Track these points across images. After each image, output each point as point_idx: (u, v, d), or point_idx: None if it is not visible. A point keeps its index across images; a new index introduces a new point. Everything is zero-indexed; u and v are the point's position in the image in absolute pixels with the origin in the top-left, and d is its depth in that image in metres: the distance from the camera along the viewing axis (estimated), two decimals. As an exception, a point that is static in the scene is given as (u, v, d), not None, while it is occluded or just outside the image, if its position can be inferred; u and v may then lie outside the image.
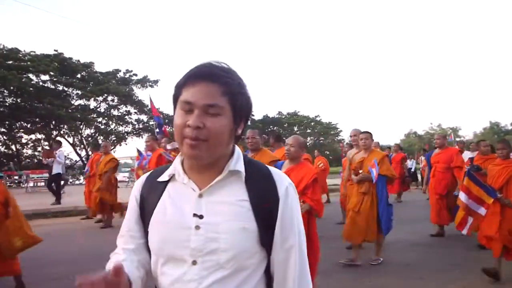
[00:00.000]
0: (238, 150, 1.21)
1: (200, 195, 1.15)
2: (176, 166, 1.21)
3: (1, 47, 26.75)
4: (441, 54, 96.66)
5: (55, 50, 28.89)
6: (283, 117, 45.19)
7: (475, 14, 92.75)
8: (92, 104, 31.15)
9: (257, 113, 51.43)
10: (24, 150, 30.19)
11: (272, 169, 1.23)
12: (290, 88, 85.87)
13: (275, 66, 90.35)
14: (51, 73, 27.67)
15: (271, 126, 43.12)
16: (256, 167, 1.21)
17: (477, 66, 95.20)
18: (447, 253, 6.41)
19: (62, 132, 30.24)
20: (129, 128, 33.16)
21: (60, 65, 28.02)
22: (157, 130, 12.80)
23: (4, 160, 28.14)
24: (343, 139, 43.41)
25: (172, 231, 1.13)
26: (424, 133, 51.33)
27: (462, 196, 5.08)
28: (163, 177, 1.21)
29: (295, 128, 44.81)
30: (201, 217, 1.12)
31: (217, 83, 1.09)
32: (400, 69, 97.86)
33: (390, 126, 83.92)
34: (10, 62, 26.20)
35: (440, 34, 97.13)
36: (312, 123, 45.94)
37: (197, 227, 1.11)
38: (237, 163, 1.17)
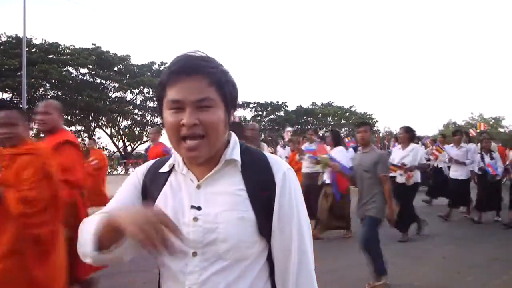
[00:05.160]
0: (234, 137, 1.19)
1: (198, 186, 1.14)
2: (176, 157, 1.19)
3: (43, 42, 27.89)
4: (481, 40, 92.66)
5: (93, 44, 29.87)
6: (317, 107, 44.66)
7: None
8: (129, 96, 32.00)
9: (291, 104, 51.30)
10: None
11: (270, 156, 1.20)
12: (325, 78, 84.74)
13: (309, 56, 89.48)
14: (90, 66, 28.61)
15: (305, 117, 42.81)
16: (253, 154, 1.19)
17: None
18: (486, 247, 6.18)
19: (100, 124, 31.21)
20: (164, 120, 33.79)
21: (98, 59, 28.87)
22: None
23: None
24: (378, 130, 42.54)
25: None
26: (464, 124, 49.44)
27: None
28: (164, 168, 1.20)
29: (329, 119, 44.27)
30: (199, 208, 1.11)
31: (200, 74, 1.06)
32: (438, 56, 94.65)
33: (427, 116, 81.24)
34: (51, 56, 27.31)
35: (482, 18, 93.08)
36: (347, 114, 45.17)
37: (195, 219, 1.10)
38: (233, 151, 1.15)
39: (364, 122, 5.16)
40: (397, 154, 6.92)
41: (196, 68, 1.06)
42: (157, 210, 0.96)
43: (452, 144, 8.84)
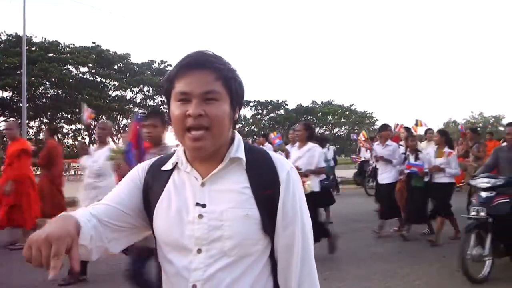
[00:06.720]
0: (238, 136, 1.21)
1: (203, 184, 1.15)
2: (179, 155, 1.20)
3: (43, 40, 27.87)
4: (481, 38, 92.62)
5: (93, 43, 29.87)
6: (317, 106, 44.72)
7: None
8: (129, 94, 31.99)
9: (291, 102, 51.27)
10: (65, 140, 31.40)
11: (274, 154, 1.22)
12: (325, 76, 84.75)
13: (309, 54, 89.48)
14: (90, 65, 28.63)
15: (304, 116, 42.80)
16: (257, 153, 1.21)
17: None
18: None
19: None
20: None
21: (98, 57, 28.89)
22: None
23: (47, 150, 29.41)
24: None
25: (176, 221, 1.14)
26: (464, 122, 49.59)
27: None
28: (167, 166, 1.21)
29: (329, 118, 44.28)
30: (204, 206, 1.12)
31: (208, 69, 1.10)
32: (439, 55, 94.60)
33: (428, 115, 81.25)
34: (51, 54, 27.33)
35: (482, 17, 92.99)
36: (347, 112, 45.20)
37: (200, 216, 1.12)
38: (238, 150, 1.17)
39: (155, 111, 3.89)
40: (292, 155, 5.74)
41: (204, 63, 1.10)
42: (54, 232, 0.90)
43: (377, 142, 7.44)
